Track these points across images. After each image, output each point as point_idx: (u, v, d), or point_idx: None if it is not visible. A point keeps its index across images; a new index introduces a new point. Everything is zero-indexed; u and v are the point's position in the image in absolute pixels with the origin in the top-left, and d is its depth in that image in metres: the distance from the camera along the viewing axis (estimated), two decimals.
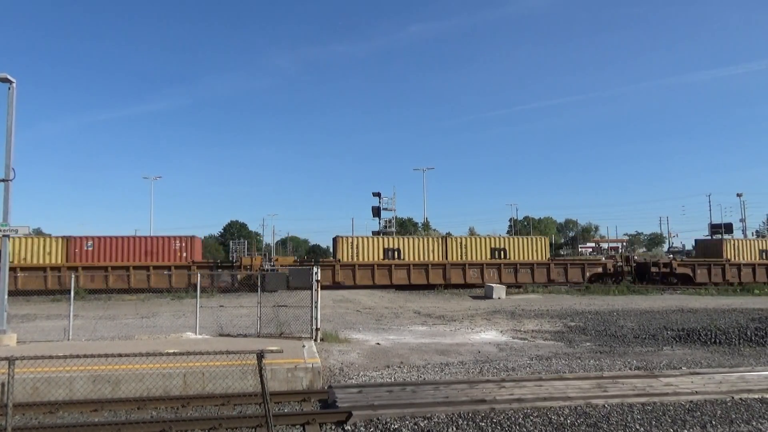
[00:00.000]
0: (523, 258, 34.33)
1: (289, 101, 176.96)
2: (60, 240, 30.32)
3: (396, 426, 7.51)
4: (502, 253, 34.31)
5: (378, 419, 7.74)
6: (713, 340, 15.46)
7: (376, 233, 41.32)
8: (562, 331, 17.27)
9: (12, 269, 28.37)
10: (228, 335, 14.19)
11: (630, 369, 11.44)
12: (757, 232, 77.29)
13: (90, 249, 30.30)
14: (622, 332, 16.76)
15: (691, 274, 35.15)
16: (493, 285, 29.05)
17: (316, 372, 10.15)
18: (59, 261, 29.90)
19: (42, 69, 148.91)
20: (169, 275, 30.39)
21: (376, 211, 42.56)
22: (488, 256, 34.08)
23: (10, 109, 13.40)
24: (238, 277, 31.31)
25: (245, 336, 14.04)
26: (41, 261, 29.87)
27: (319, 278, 14.36)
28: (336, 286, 31.39)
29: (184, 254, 31.29)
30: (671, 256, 50.82)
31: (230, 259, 35.85)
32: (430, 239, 35.10)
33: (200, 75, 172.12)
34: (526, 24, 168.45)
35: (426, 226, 59.46)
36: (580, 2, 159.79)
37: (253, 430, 7.56)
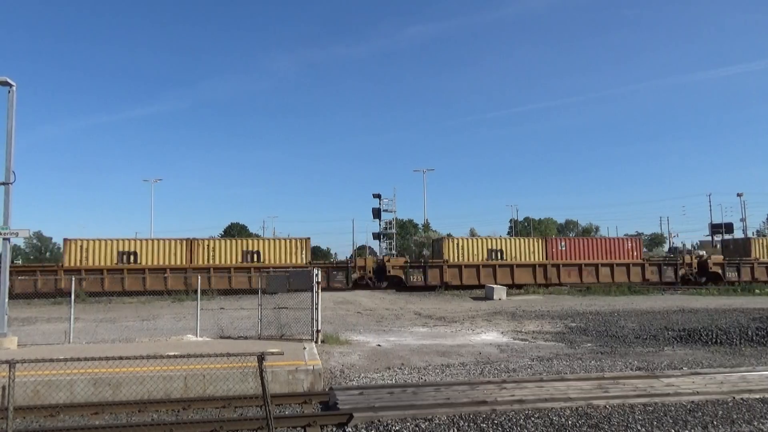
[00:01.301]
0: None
1: (289, 103, 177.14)
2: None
3: (397, 428, 7.51)
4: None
5: (379, 421, 7.73)
6: (714, 340, 15.44)
7: (376, 235, 41.39)
8: (562, 332, 17.26)
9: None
10: (229, 337, 14.19)
11: (631, 369, 11.44)
12: (757, 231, 77.29)
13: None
14: (623, 333, 16.75)
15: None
16: (494, 286, 29.04)
17: (317, 374, 10.14)
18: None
19: (42, 72, 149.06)
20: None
21: (377, 213, 42.61)
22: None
23: (10, 113, 13.41)
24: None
25: (246, 338, 14.04)
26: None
27: (319, 280, 14.36)
28: (336, 287, 31.56)
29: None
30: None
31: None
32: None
33: (200, 77, 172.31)
34: (525, 25, 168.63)
35: (426, 227, 59.48)
36: (578, 3, 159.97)
37: None
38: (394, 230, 43.03)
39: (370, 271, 33.60)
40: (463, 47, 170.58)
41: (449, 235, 42.92)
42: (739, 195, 68.45)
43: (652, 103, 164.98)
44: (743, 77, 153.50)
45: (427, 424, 7.67)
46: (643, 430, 7.48)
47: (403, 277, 33.09)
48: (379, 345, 14.55)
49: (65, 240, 30.59)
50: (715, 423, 7.70)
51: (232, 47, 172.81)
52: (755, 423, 7.71)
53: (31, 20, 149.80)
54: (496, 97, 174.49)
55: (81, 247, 30.27)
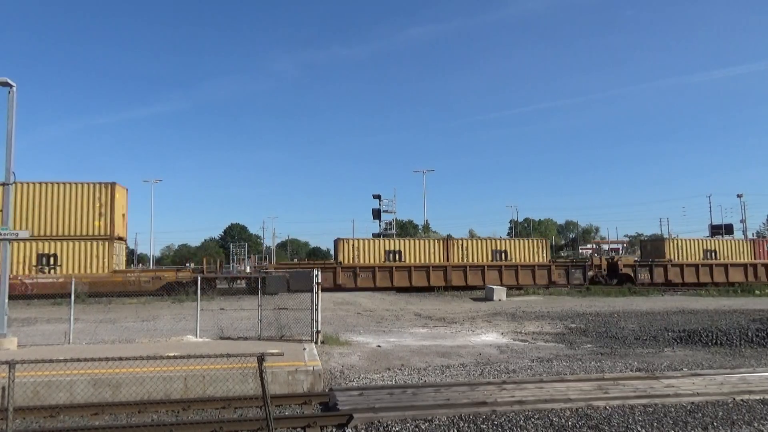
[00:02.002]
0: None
1: (289, 104, 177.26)
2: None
3: (397, 428, 7.51)
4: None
5: (379, 422, 7.73)
6: (714, 341, 15.44)
7: (376, 235, 41.37)
8: (562, 333, 17.26)
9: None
10: (229, 338, 14.18)
11: (631, 370, 11.43)
12: (757, 233, 77.33)
13: None
14: (623, 334, 16.74)
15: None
16: (494, 287, 29.03)
17: (317, 375, 10.14)
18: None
19: (42, 72, 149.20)
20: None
21: (377, 213, 42.64)
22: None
23: (10, 113, 13.42)
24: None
25: (246, 339, 14.03)
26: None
27: (319, 281, 14.36)
28: (337, 288, 31.46)
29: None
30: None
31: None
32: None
33: (200, 78, 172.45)
34: (524, 27, 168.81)
35: (426, 228, 59.50)
36: (578, 4, 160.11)
37: None
38: (394, 231, 43.06)
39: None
40: (462, 48, 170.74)
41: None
42: (739, 196, 68.52)
43: (652, 104, 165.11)
44: (743, 78, 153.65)
45: (427, 424, 7.66)
46: (644, 431, 7.48)
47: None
48: (379, 346, 14.55)
49: (337, 240, 34.37)
50: (715, 424, 7.70)
51: (232, 48, 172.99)
52: (755, 424, 7.70)
53: (32, 21, 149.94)
54: (495, 98, 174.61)
55: (353, 246, 33.71)
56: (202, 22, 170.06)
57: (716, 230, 66.07)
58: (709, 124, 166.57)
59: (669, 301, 26.78)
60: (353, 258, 33.16)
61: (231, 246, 41.89)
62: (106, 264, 29.04)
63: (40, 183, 29.02)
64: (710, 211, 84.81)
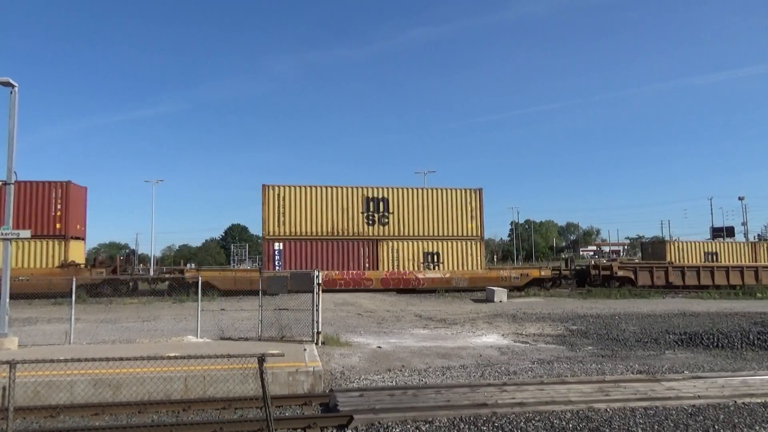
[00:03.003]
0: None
1: (290, 105, 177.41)
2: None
3: (397, 430, 7.50)
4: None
5: (379, 423, 7.72)
6: (715, 343, 15.41)
7: None
8: (563, 335, 17.23)
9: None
10: (229, 339, 14.18)
11: (632, 373, 11.41)
12: (759, 235, 77.26)
13: None
14: (624, 336, 16.72)
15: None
16: (495, 288, 29.01)
17: (318, 376, 10.13)
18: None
19: (44, 73, 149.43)
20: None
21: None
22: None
23: (12, 113, 13.44)
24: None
25: (246, 339, 14.03)
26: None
27: (320, 281, 14.35)
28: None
29: None
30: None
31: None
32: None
33: (201, 79, 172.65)
34: (525, 29, 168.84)
35: None
36: (579, 7, 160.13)
37: None
38: None
39: None
40: (463, 50, 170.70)
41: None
42: (740, 198, 68.47)
43: (654, 107, 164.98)
44: (745, 81, 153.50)
45: (427, 426, 7.66)
46: None
47: None
48: (379, 347, 14.54)
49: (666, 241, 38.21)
50: (716, 427, 7.68)
51: (233, 49, 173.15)
52: (757, 427, 7.69)
53: (33, 22, 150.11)
54: (496, 99, 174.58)
55: (677, 247, 36.49)
56: (203, 24, 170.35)
57: (717, 233, 66.04)
58: (711, 126, 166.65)
59: (670, 304, 26.73)
60: None
61: (232, 246, 41.90)
62: (479, 262, 32.98)
63: (425, 189, 33.52)
64: (711, 214, 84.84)
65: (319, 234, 31.52)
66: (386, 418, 7.85)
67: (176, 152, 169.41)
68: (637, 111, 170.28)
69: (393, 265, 32.07)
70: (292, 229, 31.24)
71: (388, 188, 32.51)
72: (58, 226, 28.56)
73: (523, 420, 7.87)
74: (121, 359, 7.02)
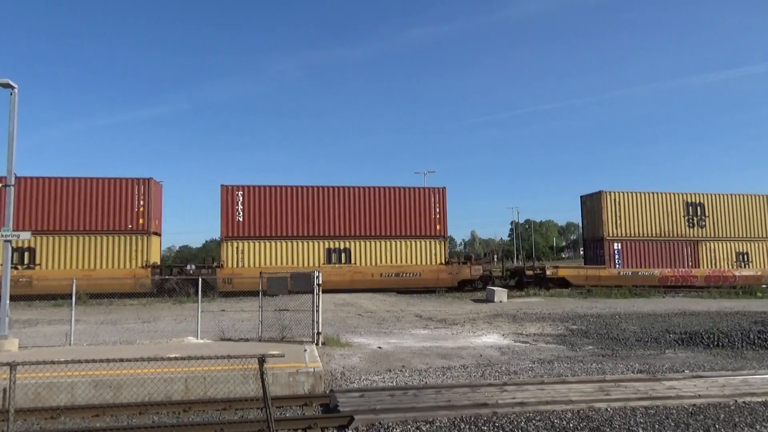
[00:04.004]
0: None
1: (290, 105, 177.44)
2: None
3: (398, 430, 7.50)
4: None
5: (380, 423, 7.72)
6: (716, 343, 15.42)
7: None
8: (564, 335, 17.23)
9: None
10: (229, 339, 14.18)
11: (632, 372, 11.41)
12: None
13: None
14: (624, 335, 16.72)
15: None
16: (495, 288, 29.01)
17: (318, 376, 10.13)
18: None
19: (44, 74, 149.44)
20: None
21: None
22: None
23: (12, 114, 13.45)
24: None
25: (247, 340, 14.03)
26: None
27: (320, 282, 14.36)
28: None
29: None
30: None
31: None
32: None
33: (202, 79, 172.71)
34: (524, 29, 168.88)
35: None
36: (577, 7, 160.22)
37: None
38: None
39: None
40: (462, 50, 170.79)
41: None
42: None
43: (652, 106, 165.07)
44: (743, 80, 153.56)
45: (428, 426, 7.66)
46: None
47: None
48: (379, 347, 14.54)
49: None
50: (717, 426, 7.69)
51: (234, 49, 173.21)
52: (757, 426, 7.69)
53: (34, 22, 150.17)
54: (495, 99, 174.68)
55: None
56: (204, 24, 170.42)
57: None
58: (709, 125, 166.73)
59: (670, 303, 26.74)
60: None
61: None
62: None
63: (737, 195, 35.59)
64: None
65: (649, 235, 34.36)
66: (387, 419, 7.85)
67: (176, 152, 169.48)
68: (636, 110, 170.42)
69: (711, 264, 34.88)
70: (628, 231, 34.18)
71: (704, 194, 35.64)
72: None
73: (524, 420, 7.87)
74: (121, 360, 7.03)
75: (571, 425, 7.69)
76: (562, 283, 33.16)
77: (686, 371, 11.45)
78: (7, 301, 13.11)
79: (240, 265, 30.17)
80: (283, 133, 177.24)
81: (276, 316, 14.79)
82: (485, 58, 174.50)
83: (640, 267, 33.89)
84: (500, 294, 28.28)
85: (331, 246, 31.71)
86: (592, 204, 35.50)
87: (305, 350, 12.19)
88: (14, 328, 15.64)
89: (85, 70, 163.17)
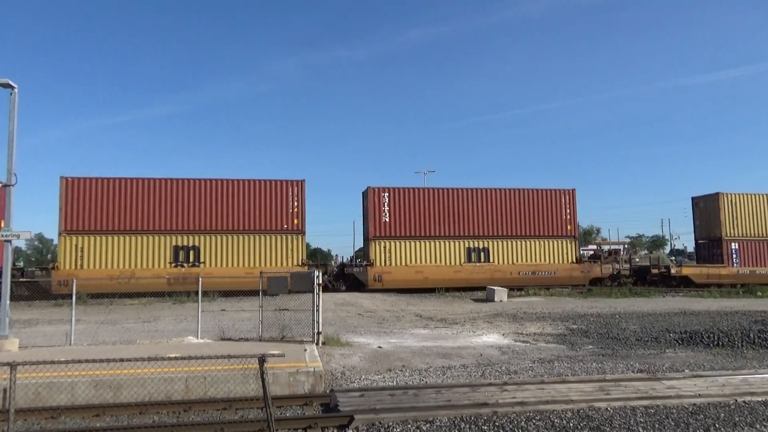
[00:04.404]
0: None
1: (290, 105, 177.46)
2: None
3: (398, 430, 7.50)
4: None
5: (380, 423, 7.73)
6: (716, 342, 15.42)
7: None
8: (564, 334, 17.24)
9: None
10: (230, 339, 14.19)
11: (632, 372, 11.42)
12: None
13: None
14: (624, 335, 16.72)
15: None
16: (495, 288, 29.01)
17: (318, 376, 10.14)
18: None
19: (44, 75, 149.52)
20: None
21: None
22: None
23: (12, 115, 13.44)
24: None
25: (247, 340, 14.04)
26: None
27: (320, 282, 14.36)
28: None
29: None
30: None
31: None
32: None
33: (202, 80, 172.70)
34: (524, 29, 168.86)
35: None
36: (577, 7, 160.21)
37: None
38: None
39: None
40: (462, 50, 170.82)
41: None
42: None
43: (654, 105, 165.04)
44: (745, 80, 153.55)
45: (428, 426, 7.66)
46: None
47: None
48: (380, 347, 14.54)
49: None
50: (717, 426, 7.69)
51: (234, 50, 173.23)
52: (757, 426, 7.69)
53: (34, 22, 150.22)
54: (495, 99, 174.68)
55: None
56: (204, 24, 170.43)
57: None
58: (711, 125, 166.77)
59: (670, 302, 26.74)
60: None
61: None
62: None
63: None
64: None
65: (765, 235, 35.78)
66: (387, 418, 7.85)
67: (176, 152, 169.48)
68: (637, 110, 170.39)
69: None
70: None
71: None
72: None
73: (524, 419, 7.88)
74: (121, 360, 7.03)
75: (571, 425, 7.69)
76: (685, 281, 34.09)
77: (686, 370, 11.45)
78: (7, 301, 13.11)
79: (387, 263, 31.77)
80: (283, 133, 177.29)
81: (276, 315, 14.79)
82: (485, 58, 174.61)
83: (757, 266, 35.09)
84: (500, 293, 28.28)
85: (471, 245, 32.92)
86: (706, 205, 36.62)
87: (305, 350, 12.19)
88: (14, 327, 15.65)
89: (84, 71, 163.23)
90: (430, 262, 32.20)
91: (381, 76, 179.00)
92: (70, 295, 14.38)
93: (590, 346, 15.02)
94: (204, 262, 29.42)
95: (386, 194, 32.02)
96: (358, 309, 24.59)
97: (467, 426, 7.65)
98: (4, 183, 13.56)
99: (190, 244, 29.41)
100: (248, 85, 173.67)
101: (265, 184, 30.58)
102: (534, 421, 7.83)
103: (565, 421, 7.81)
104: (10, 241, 13.41)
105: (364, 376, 11.05)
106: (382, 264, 31.61)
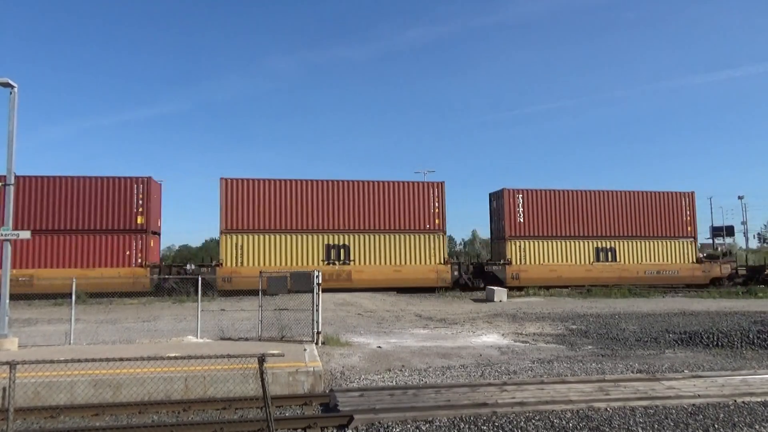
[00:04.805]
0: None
1: (290, 105, 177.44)
2: None
3: (397, 429, 7.50)
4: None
5: (379, 423, 7.73)
6: (715, 343, 15.43)
7: None
8: (563, 334, 17.24)
9: None
10: (229, 339, 14.19)
11: (632, 372, 11.42)
12: (758, 234, 77.30)
13: None
14: (623, 335, 16.73)
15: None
16: (495, 288, 29.01)
17: (318, 376, 10.14)
18: None
19: (43, 74, 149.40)
20: None
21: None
22: None
23: (11, 114, 13.45)
24: None
25: (246, 340, 14.04)
26: None
27: (320, 281, 14.36)
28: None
29: None
30: None
31: None
32: None
33: (201, 79, 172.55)
34: (524, 28, 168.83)
35: None
36: (577, 7, 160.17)
37: None
38: None
39: None
40: (463, 50, 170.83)
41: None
42: (740, 198, 68.52)
43: (652, 106, 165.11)
44: (744, 80, 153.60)
45: (427, 426, 7.66)
46: None
47: None
48: (379, 347, 14.55)
49: None
50: (716, 426, 7.70)
51: (233, 49, 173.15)
52: (757, 426, 7.70)
53: (33, 22, 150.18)
54: (495, 99, 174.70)
55: None
56: (203, 23, 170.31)
57: (717, 232, 66.06)
58: (710, 125, 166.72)
59: (670, 303, 26.75)
60: None
61: None
62: None
63: None
64: (711, 213, 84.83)
65: None
66: (386, 418, 7.85)
67: (176, 152, 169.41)
68: (636, 110, 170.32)
69: None
70: None
71: None
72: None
73: (524, 419, 7.88)
74: (121, 360, 7.03)
75: (570, 425, 7.69)
76: None
77: (686, 371, 11.46)
78: (7, 301, 13.11)
79: (523, 262, 33.17)
80: (282, 132, 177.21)
81: (276, 315, 14.79)
82: (486, 58, 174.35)
83: None
84: (500, 293, 28.29)
85: (599, 245, 34.35)
86: None
87: (305, 350, 12.20)
88: (14, 327, 15.65)
89: (84, 70, 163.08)
90: (562, 261, 33.69)
91: (381, 75, 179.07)
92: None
93: (590, 347, 15.03)
94: (353, 260, 30.98)
95: (520, 196, 33.60)
96: (357, 309, 24.60)
97: (466, 426, 7.65)
98: (4, 182, 13.56)
99: (341, 243, 31.01)
100: (248, 85, 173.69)
101: (409, 185, 32.20)
102: (533, 421, 7.83)
103: (564, 422, 7.81)
104: (9, 241, 13.40)
105: (363, 376, 11.05)
106: (518, 263, 33.11)
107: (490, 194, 35.88)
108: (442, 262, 31.82)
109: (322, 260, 30.63)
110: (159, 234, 32.34)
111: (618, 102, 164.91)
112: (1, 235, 13.26)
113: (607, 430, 7.55)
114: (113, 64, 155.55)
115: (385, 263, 31.17)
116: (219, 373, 9.71)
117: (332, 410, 8.49)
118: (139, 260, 28.90)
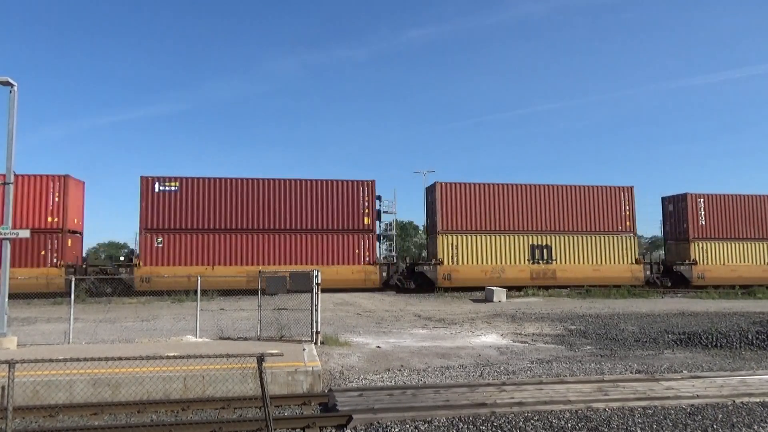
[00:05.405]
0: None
1: (290, 105, 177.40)
2: None
3: (396, 429, 7.51)
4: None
5: (378, 423, 7.73)
6: (714, 343, 15.44)
7: (377, 236, 41.30)
8: (562, 335, 17.25)
9: None
10: (228, 338, 14.18)
11: (631, 372, 11.43)
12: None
13: None
14: (622, 335, 16.74)
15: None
16: (494, 288, 29.02)
17: (317, 375, 10.14)
18: None
19: (43, 73, 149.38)
20: None
21: (377, 214, 42.49)
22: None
23: (11, 113, 13.43)
24: None
25: (246, 339, 14.04)
26: None
27: (319, 281, 14.36)
28: None
29: None
30: None
31: None
32: None
33: (201, 79, 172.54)
34: (524, 29, 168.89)
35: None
36: (577, 7, 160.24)
37: None
38: (394, 232, 42.99)
39: None
40: (463, 50, 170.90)
41: None
42: None
43: (652, 106, 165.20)
44: (744, 81, 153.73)
45: (426, 426, 7.66)
46: None
47: None
48: (378, 347, 14.55)
49: None
50: (715, 426, 7.70)
51: (233, 49, 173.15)
52: (755, 427, 7.71)
53: (33, 21, 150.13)
54: (495, 99, 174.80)
55: None
56: (203, 23, 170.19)
57: None
58: (710, 126, 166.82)
59: (669, 303, 26.76)
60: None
61: None
62: None
63: None
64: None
65: None
66: (385, 418, 7.85)
67: (176, 152, 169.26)
68: (635, 110, 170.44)
69: None
70: None
71: None
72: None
73: (522, 420, 7.88)
74: (120, 359, 7.03)
75: (569, 425, 7.70)
76: None
77: (684, 371, 11.46)
78: (6, 299, 13.10)
79: (707, 262, 35.31)
80: (282, 132, 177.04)
81: (275, 315, 14.78)
82: (486, 58, 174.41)
83: None
84: (499, 294, 28.29)
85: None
86: None
87: (304, 349, 12.19)
88: (13, 325, 15.64)
89: (84, 69, 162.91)
90: (741, 262, 36.08)
91: (381, 76, 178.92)
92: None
93: (589, 347, 15.03)
94: (555, 260, 33.20)
95: (701, 200, 35.90)
96: (356, 309, 24.60)
97: (465, 426, 7.66)
98: (3, 181, 13.54)
99: (544, 243, 33.21)
100: (247, 85, 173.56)
101: (602, 189, 34.43)
102: (532, 421, 7.83)
103: (563, 422, 7.81)
104: (8, 239, 13.39)
105: (362, 376, 11.06)
106: (703, 263, 35.45)
107: (662, 198, 38.63)
108: (634, 261, 33.77)
109: (528, 259, 32.98)
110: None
111: (618, 102, 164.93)
112: (1, 234, 13.24)
113: (606, 430, 7.55)
114: (113, 64, 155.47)
115: (585, 263, 33.35)
116: (218, 372, 9.71)
117: (331, 410, 8.49)
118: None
